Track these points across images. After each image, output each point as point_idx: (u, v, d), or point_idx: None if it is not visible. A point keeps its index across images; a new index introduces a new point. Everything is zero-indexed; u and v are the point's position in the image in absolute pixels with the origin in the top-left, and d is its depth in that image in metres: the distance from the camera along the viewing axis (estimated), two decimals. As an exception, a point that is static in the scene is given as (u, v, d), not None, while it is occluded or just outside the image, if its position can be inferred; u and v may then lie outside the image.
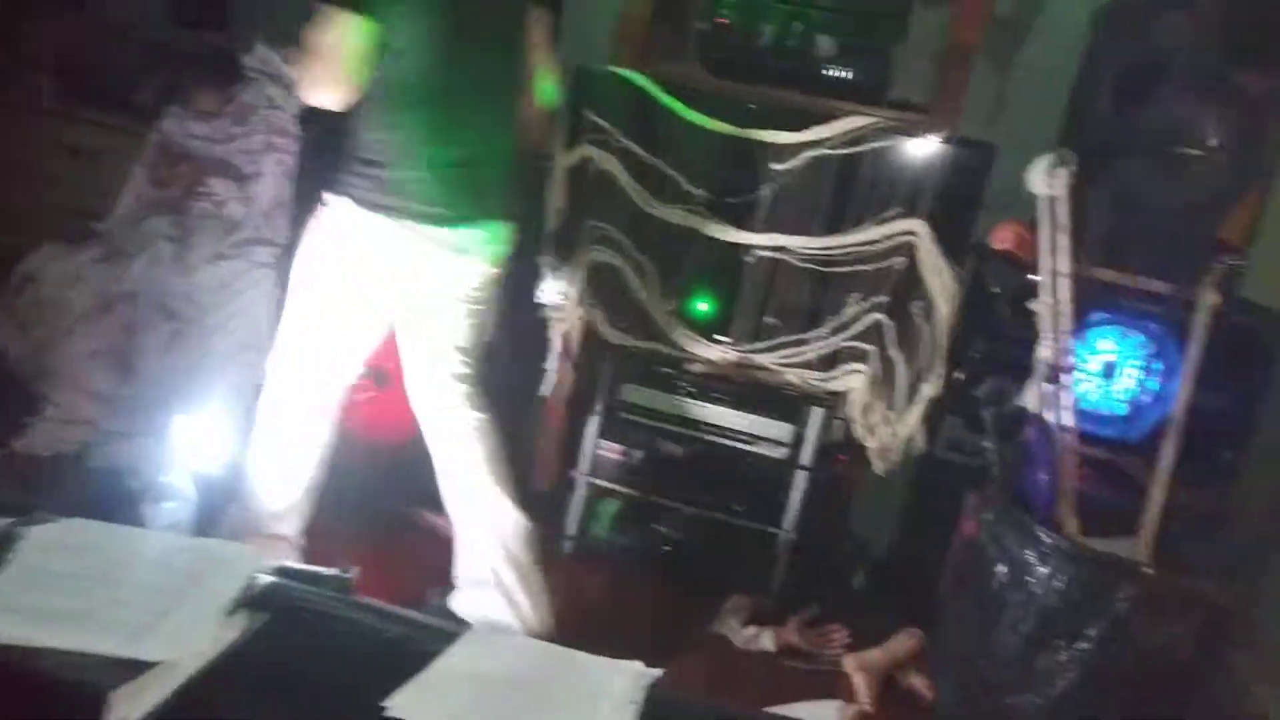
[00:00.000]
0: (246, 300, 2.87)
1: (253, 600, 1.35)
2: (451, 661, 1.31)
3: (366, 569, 2.44)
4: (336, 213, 2.02)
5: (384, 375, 2.85)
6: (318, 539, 2.42)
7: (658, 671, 1.35)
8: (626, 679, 1.32)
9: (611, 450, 2.93)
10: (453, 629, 1.42)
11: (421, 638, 1.38)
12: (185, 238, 2.78)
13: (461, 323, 2.15)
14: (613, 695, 1.28)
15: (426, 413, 2.21)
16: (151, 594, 1.28)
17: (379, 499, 2.80)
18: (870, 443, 2.59)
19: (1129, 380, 2.44)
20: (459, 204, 2.02)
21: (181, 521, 2.24)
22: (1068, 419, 2.14)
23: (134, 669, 1.14)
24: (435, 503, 2.78)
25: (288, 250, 2.85)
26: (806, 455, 2.62)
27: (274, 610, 1.35)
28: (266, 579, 1.41)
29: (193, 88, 2.83)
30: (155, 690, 1.11)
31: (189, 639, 1.18)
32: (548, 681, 1.31)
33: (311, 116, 2.83)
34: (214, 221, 2.83)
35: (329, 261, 2.06)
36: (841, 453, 2.84)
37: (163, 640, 1.16)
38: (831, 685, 2.37)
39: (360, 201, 1.98)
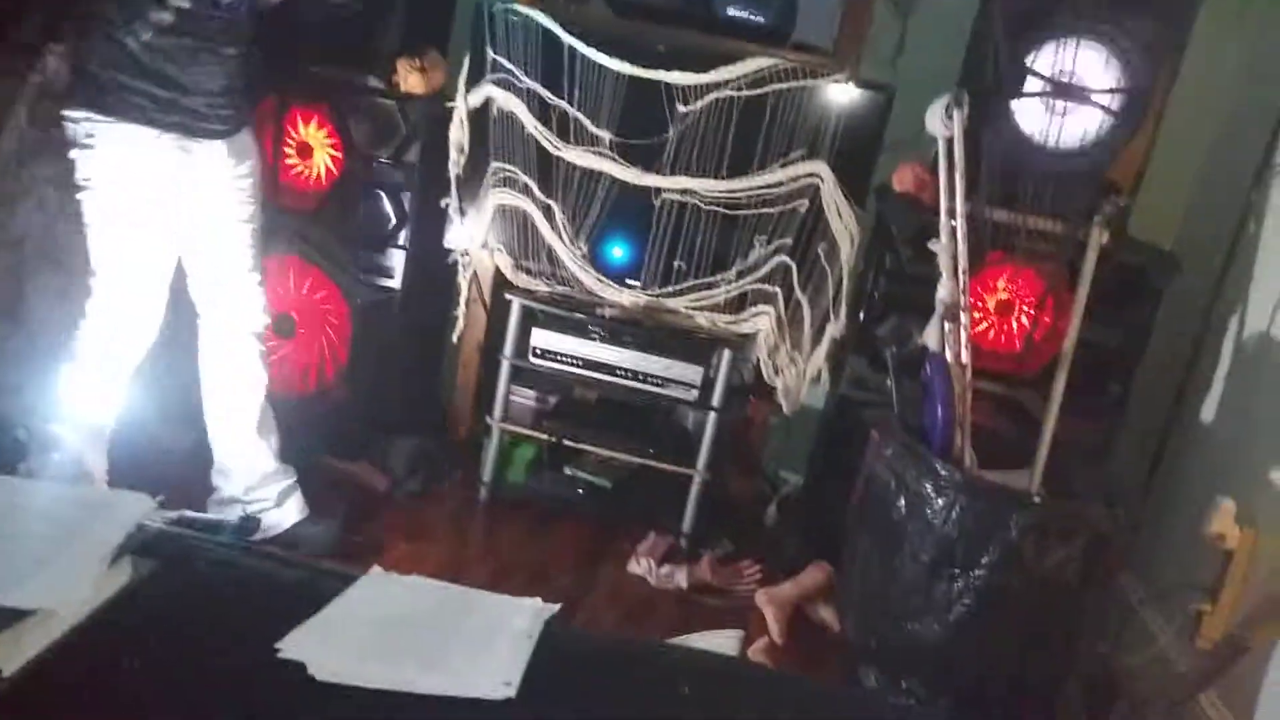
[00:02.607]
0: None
1: (142, 548, 1.32)
2: (347, 603, 1.31)
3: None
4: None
5: (288, 325, 2.79)
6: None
7: (555, 607, 1.37)
8: (525, 615, 1.34)
9: (525, 396, 2.93)
10: (352, 574, 1.41)
11: (320, 582, 1.37)
12: (71, 185, 2.65)
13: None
14: (510, 630, 1.29)
15: None
16: (31, 543, 1.24)
17: (287, 449, 2.75)
18: (777, 383, 2.64)
19: (1024, 318, 2.52)
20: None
21: (67, 472, 2.18)
22: (965, 356, 2.20)
23: (13, 619, 1.11)
24: (342, 450, 2.76)
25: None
26: (717, 397, 2.65)
27: (164, 558, 1.33)
28: (156, 526, 1.38)
29: (76, 28, 2.68)
30: (32, 640, 1.09)
31: (67, 587, 1.15)
32: (444, 620, 1.31)
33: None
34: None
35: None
36: (751, 394, 2.89)
37: (38, 588, 1.13)
38: (743, 619, 2.44)
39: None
